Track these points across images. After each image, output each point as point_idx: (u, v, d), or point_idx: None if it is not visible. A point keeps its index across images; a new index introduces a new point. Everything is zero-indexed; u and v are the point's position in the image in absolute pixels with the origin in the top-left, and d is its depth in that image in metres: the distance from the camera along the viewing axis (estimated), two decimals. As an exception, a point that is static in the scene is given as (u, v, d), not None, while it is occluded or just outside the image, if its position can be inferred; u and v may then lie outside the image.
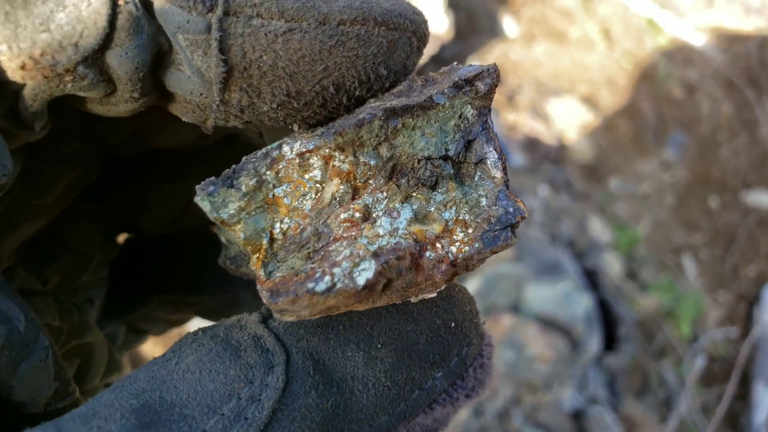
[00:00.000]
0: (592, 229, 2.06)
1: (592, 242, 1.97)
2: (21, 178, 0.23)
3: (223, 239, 0.28)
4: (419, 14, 0.21)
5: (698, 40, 2.69)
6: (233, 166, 0.21)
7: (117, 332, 0.34)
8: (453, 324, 0.21)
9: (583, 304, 1.40)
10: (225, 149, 0.31)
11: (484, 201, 0.24)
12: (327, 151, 0.21)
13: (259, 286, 0.20)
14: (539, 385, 1.38)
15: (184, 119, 0.22)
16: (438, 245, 0.22)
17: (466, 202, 0.24)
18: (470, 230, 0.23)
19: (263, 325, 0.20)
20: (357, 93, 0.21)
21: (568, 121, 2.39)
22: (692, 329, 2.28)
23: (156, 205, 0.31)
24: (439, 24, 2.01)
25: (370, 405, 0.19)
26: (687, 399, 2.14)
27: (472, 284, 1.47)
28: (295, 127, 0.22)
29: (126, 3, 0.18)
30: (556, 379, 1.41)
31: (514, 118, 2.38)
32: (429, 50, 2.17)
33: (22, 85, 0.19)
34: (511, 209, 0.23)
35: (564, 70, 2.55)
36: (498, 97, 2.42)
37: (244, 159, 0.21)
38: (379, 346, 0.19)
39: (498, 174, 0.24)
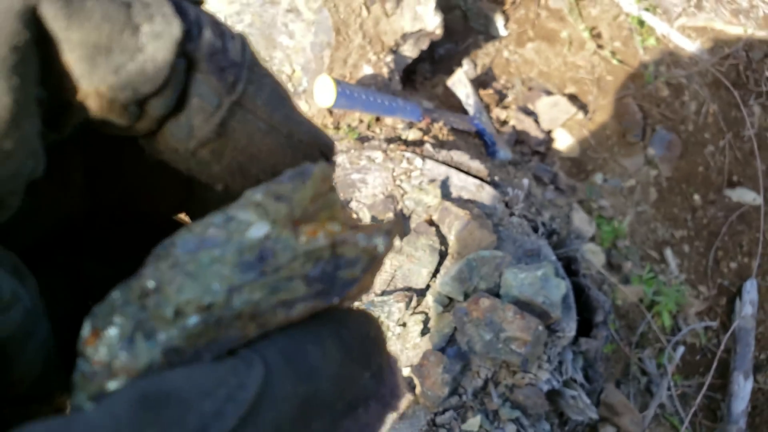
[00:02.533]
0: (576, 222, 2.13)
1: (575, 233, 2.04)
2: (35, 194, 0.26)
3: None
4: (331, 148, 0.29)
5: (687, 41, 2.75)
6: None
7: None
8: (371, 333, 0.25)
9: (561, 289, 1.47)
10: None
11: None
12: None
13: None
14: (517, 366, 1.45)
15: (146, 148, 0.27)
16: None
17: None
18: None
19: None
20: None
21: (557, 118, 2.46)
22: (674, 320, 2.35)
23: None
24: (430, 22, 2.08)
25: (330, 392, 0.22)
26: (667, 388, 2.20)
27: (452, 268, 1.54)
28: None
29: (179, 66, 0.23)
30: (533, 361, 1.48)
31: (503, 115, 2.45)
32: (420, 46, 2.24)
33: (77, 107, 0.23)
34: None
35: (554, 68, 2.62)
36: (489, 93, 2.48)
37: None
38: (329, 343, 0.23)
39: None
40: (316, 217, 0.23)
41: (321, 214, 0.23)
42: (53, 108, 0.23)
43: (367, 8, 2.06)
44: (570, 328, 1.57)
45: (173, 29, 0.22)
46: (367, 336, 0.24)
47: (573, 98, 2.55)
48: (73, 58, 0.21)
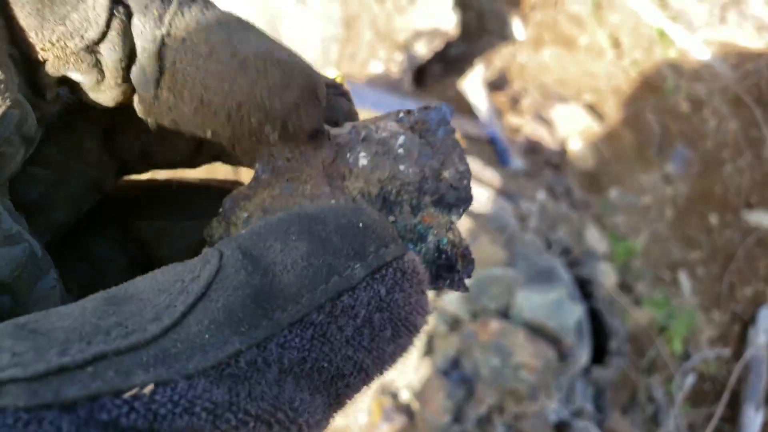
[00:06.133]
0: (589, 239, 2.03)
1: (588, 252, 1.94)
2: (49, 166, 0.31)
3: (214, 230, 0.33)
4: (312, 71, 0.29)
5: (708, 54, 2.66)
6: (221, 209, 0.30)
7: None
8: (361, 224, 0.24)
9: (575, 314, 1.37)
10: (212, 193, 0.39)
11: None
12: None
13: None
14: (524, 394, 1.35)
15: (140, 115, 0.29)
16: None
17: None
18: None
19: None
20: (255, 116, 0.28)
21: (572, 128, 2.36)
22: (684, 347, 2.25)
23: (175, 238, 0.37)
24: (447, 21, 1.98)
25: (293, 284, 0.22)
26: (675, 417, 2.10)
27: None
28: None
29: (117, 13, 0.26)
30: (542, 389, 1.38)
31: (517, 122, 2.35)
32: (434, 47, 2.14)
33: (43, 62, 0.27)
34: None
35: (571, 76, 2.52)
36: (503, 99, 2.38)
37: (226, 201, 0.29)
38: (294, 238, 0.23)
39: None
40: None
41: None
42: (28, 70, 0.27)
43: (380, 2, 1.95)
44: (582, 355, 1.47)
45: None
46: (351, 227, 0.24)
47: (589, 108, 2.44)
48: (24, 14, 0.25)
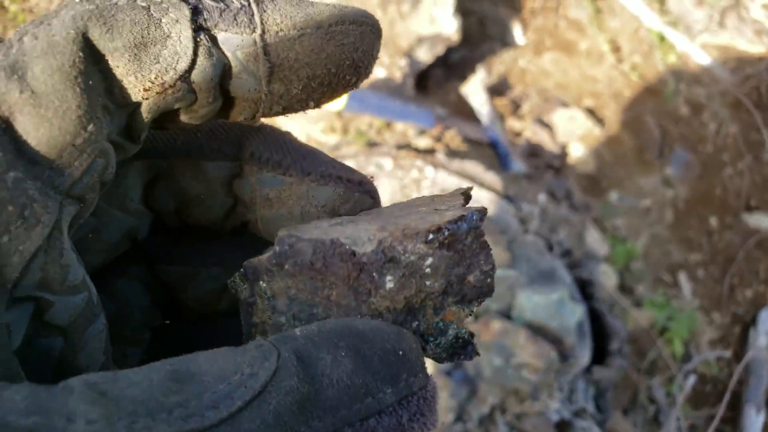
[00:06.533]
0: (589, 241, 2.05)
1: (588, 253, 1.95)
2: (94, 213, 0.32)
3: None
4: (371, 15, 0.33)
5: (708, 59, 2.68)
6: (247, 265, 0.31)
7: None
8: (401, 352, 0.27)
9: (576, 314, 1.39)
10: (242, 243, 0.42)
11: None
12: None
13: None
14: (526, 393, 1.36)
15: (240, 119, 0.32)
16: None
17: None
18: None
19: (262, 338, 0.28)
20: (347, 72, 0.32)
21: (572, 132, 2.38)
22: (685, 348, 2.26)
23: (199, 282, 0.40)
24: (448, 26, 2.00)
25: (334, 398, 0.24)
26: (676, 419, 2.11)
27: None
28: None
29: (201, 39, 0.28)
30: (544, 389, 1.39)
31: (518, 126, 2.37)
32: (436, 52, 2.16)
33: (139, 104, 0.29)
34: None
35: (571, 80, 2.54)
36: (504, 104, 2.41)
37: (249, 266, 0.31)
38: (342, 354, 0.25)
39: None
40: None
41: None
42: (121, 115, 0.29)
43: (383, 8, 1.98)
44: (584, 355, 1.49)
45: (184, 11, 0.28)
46: (392, 352, 0.26)
47: (590, 112, 2.47)
48: (122, 62, 0.27)
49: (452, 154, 1.89)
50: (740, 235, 2.47)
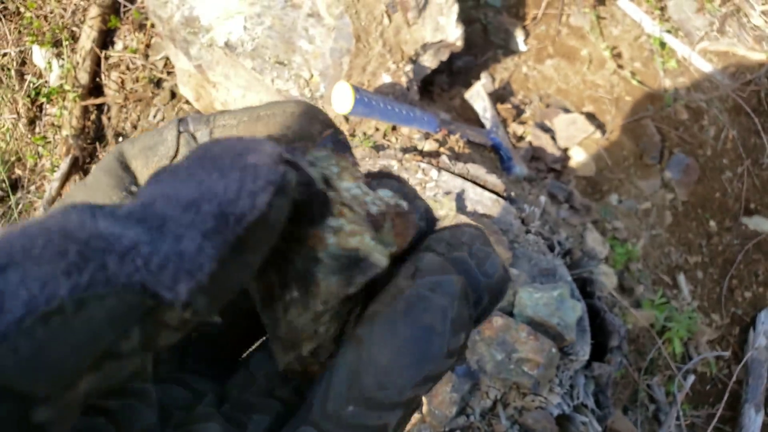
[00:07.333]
0: (589, 242, 2.09)
1: (588, 254, 2.00)
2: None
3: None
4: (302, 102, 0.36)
5: (708, 65, 2.72)
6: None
7: None
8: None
9: (576, 311, 1.43)
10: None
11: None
12: None
13: None
14: (527, 388, 1.41)
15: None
16: None
17: None
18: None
19: None
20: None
21: (574, 136, 2.43)
22: (684, 348, 2.30)
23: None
24: (452, 33, 2.06)
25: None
26: (676, 418, 2.15)
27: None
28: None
29: (184, 135, 0.34)
30: (545, 384, 1.44)
31: (520, 130, 2.42)
32: (440, 58, 2.21)
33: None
34: None
35: (573, 86, 2.59)
36: (507, 108, 2.46)
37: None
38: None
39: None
40: None
41: None
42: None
43: (389, 16, 2.04)
44: (584, 351, 1.53)
45: None
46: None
47: (591, 117, 2.52)
48: None
49: (456, 157, 1.94)
50: (739, 237, 2.50)
